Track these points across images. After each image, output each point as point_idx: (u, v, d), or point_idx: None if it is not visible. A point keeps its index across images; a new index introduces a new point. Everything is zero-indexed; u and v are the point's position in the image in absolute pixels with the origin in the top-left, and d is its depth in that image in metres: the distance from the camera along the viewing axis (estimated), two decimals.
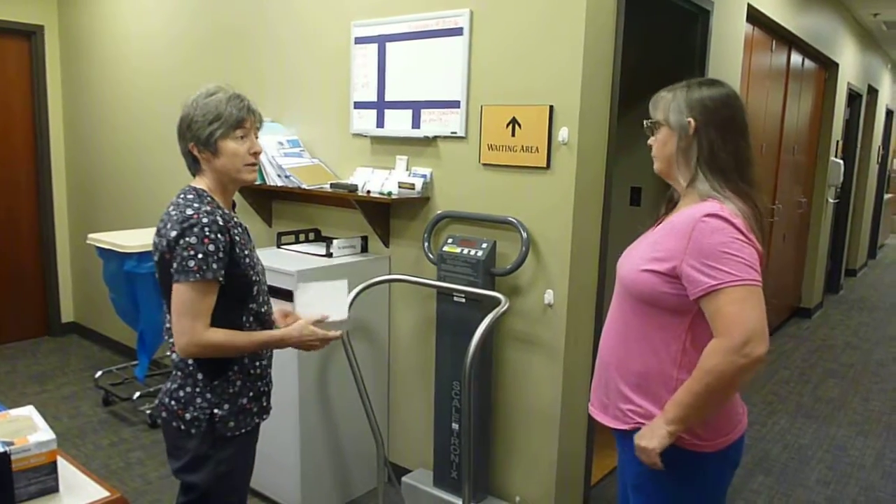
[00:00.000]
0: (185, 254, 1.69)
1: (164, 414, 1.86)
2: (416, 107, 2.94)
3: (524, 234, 2.64)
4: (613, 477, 3.22)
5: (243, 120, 1.82)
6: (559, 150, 2.57)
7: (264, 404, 1.95)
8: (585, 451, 2.95)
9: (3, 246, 5.11)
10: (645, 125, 1.68)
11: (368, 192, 2.96)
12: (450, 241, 2.81)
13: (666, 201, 1.70)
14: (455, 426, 2.84)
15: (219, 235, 1.73)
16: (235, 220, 1.86)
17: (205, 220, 1.72)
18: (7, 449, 1.41)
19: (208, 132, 1.78)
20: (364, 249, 3.19)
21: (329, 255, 3.03)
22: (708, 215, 1.48)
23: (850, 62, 7.11)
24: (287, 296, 2.25)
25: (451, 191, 2.91)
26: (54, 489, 1.49)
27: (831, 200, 7.07)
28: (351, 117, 3.19)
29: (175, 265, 1.71)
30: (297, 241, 3.33)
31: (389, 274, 3.12)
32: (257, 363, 1.90)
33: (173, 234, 1.71)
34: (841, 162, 6.79)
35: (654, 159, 1.68)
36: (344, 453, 3.08)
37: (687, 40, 3.58)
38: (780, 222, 5.79)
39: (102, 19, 4.70)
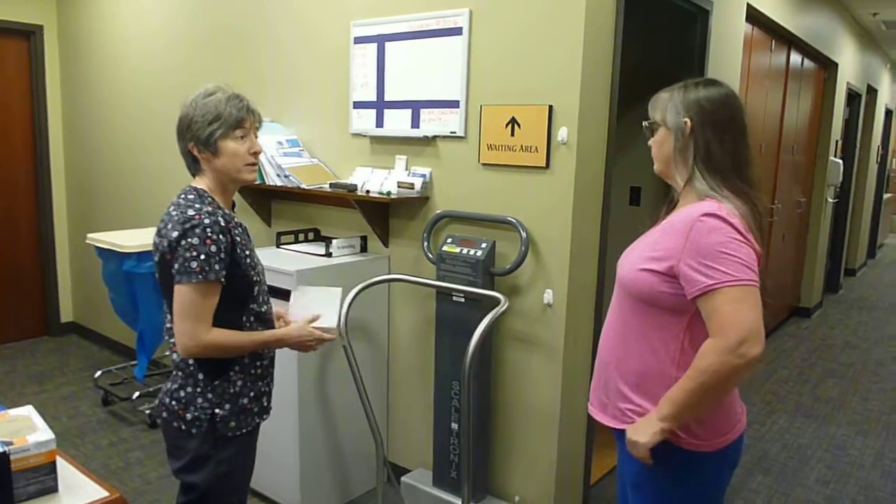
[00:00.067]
0: (188, 255, 1.69)
1: (164, 414, 1.86)
2: (416, 106, 2.94)
3: (523, 234, 2.64)
4: (613, 477, 3.22)
5: (243, 120, 1.82)
6: (558, 150, 2.57)
7: (265, 404, 1.95)
8: (585, 451, 2.95)
9: (3, 246, 5.11)
10: (644, 126, 1.69)
11: (368, 191, 2.96)
12: (449, 240, 2.81)
13: (667, 202, 1.70)
14: (454, 426, 2.84)
15: (220, 236, 1.73)
16: (236, 220, 1.86)
17: (207, 221, 1.71)
18: (6, 449, 1.41)
19: (208, 132, 1.78)
20: (363, 249, 3.19)
21: (328, 254, 3.03)
22: (705, 215, 1.48)
23: (850, 62, 7.11)
24: (287, 296, 2.25)
25: (450, 190, 2.91)
26: (53, 489, 1.49)
27: (830, 200, 7.07)
28: (350, 117, 3.19)
29: (177, 266, 1.71)
30: (297, 241, 3.33)
31: (389, 274, 3.12)
32: (258, 363, 1.90)
33: (175, 234, 1.71)
34: (840, 161, 6.79)
35: (654, 160, 1.68)
36: (343, 453, 3.08)
37: (686, 40, 3.58)
38: (780, 222, 5.79)
39: (101, 19, 4.70)
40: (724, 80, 1.69)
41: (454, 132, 2.83)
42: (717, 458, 1.59)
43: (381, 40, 3.02)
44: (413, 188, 2.90)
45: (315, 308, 2.00)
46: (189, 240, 1.70)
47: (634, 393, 1.61)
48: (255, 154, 1.87)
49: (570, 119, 2.52)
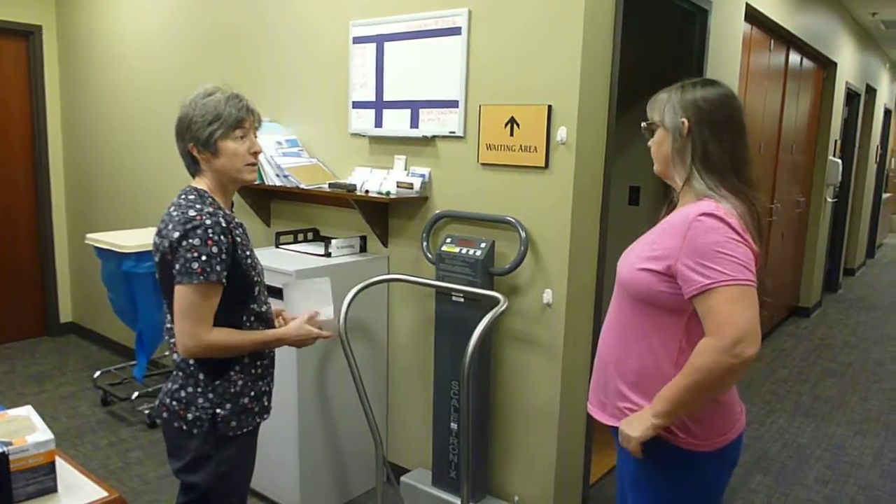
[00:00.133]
0: (189, 255, 1.69)
1: (164, 414, 1.85)
2: (415, 106, 2.94)
3: (523, 234, 2.64)
4: (612, 476, 3.22)
5: (242, 120, 1.82)
6: (558, 150, 2.57)
7: (265, 404, 1.95)
8: (584, 451, 2.95)
9: (2, 246, 5.11)
10: (642, 127, 1.69)
11: (367, 191, 2.96)
12: (448, 240, 2.81)
13: (667, 202, 1.70)
14: (454, 426, 2.84)
15: (222, 237, 1.73)
16: (236, 220, 1.86)
17: (208, 222, 1.71)
18: (5, 449, 1.41)
19: (208, 132, 1.78)
20: (363, 249, 3.19)
21: (328, 254, 3.03)
22: (703, 214, 1.48)
23: (849, 61, 7.12)
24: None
25: (449, 190, 2.91)
26: (53, 489, 1.48)
27: (830, 200, 7.08)
28: (349, 117, 3.19)
29: (178, 267, 1.71)
30: (296, 241, 3.33)
31: (388, 274, 3.12)
32: (258, 363, 1.90)
33: (176, 235, 1.71)
34: (839, 161, 6.80)
35: (654, 160, 1.68)
36: (343, 453, 3.08)
37: (685, 39, 3.58)
38: (779, 221, 5.80)
39: (100, 19, 4.70)
40: (723, 79, 1.69)
41: (453, 132, 2.83)
42: (716, 457, 1.60)
43: (380, 40, 3.01)
44: (412, 188, 2.90)
45: (310, 302, 2.00)
46: (190, 240, 1.69)
47: (633, 392, 1.61)
48: (255, 154, 1.87)
49: (569, 119, 2.53)
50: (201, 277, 1.69)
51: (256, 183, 3.04)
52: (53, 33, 5.13)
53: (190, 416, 1.80)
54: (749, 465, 3.58)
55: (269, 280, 2.17)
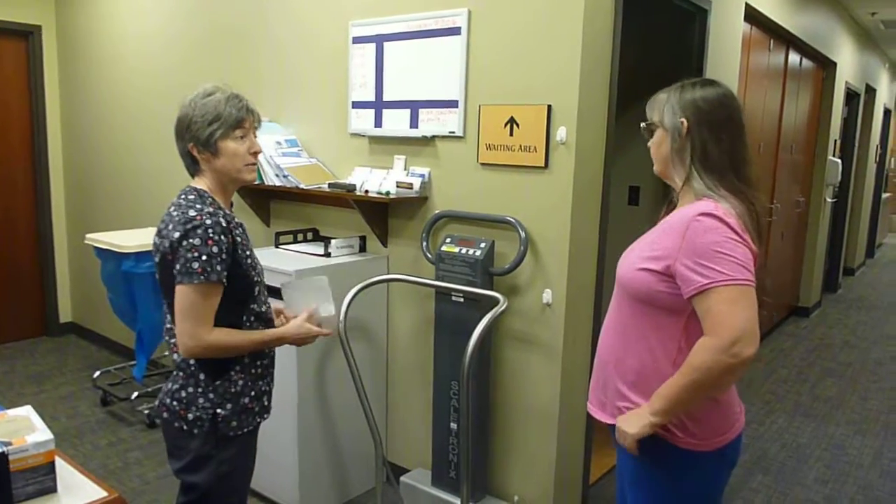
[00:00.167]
0: (189, 255, 1.69)
1: (164, 414, 1.85)
2: (414, 106, 2.94)
3: (522, 234, 2.64)
4: (612, 476, 3.22)
5: (243, 120, 1.82)
6: (557, 150, 2.57)
7: (266, 403, 1.95)
8: (584, 451, 2.95)
9: (1, 246, 5.11)
10: (642, 128, 1.69)
11: (366, 191, 2.96)
12: (448, 240, 2.81)
13: (667, 202, 1.70)
14: (453, 426, 2.84)
15: (222, 237, 1.73)
16: (236, 220, 1.86)
17: (208, 222, 1.71)
18: (5, 449, 1.41)
19: (208, 132, 1.78)
20: (362, 249, 3.19)
21: (327, 254, 3.03)
22: (702, 214, 1.48)
23: (848, 61, 7.12)
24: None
25: (449, 190, 2.91)
26: (52, 489, 1.48)
27: (829, 199, 7.08)
28: (349, 117, 3.19)
29: (178, 267, 1.71)
30: (296, 241, 3.33)
31: (388, 273, 3.12)
32: (258, 363, 1.90)
33: (176, 235, 1.71)
34: (839, 161, 6.80)
35: (653, 161, 1.69)
36: (342, 453, 3.08)
37: (685, 39, 3.58)
38: (779, 221, 5.80)
39: (100, 19, 4.70)
40: (722, 79, 1.69)
41: (453, 132, 2.83)
42: (715, 457, 1.60)
43: (379, 40, 3.01)
44: (412, 188, 2.90)
45: (309, 300, 2.00)
46: (191, 240, 1.69)
47: (632, 391, 1.61)
48: (255, 154, 1.87)
49: (568, 119, 2.53)
50: (202, 277, 1.69)
51: (256, 183, 3.04)
52: (53, 33, 5.13)
53: (190, 416, 1.80)
54: (749, 465, 3.58)
55: (269, 280, 2.17)
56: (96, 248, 3.81)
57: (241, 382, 1.85)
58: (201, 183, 1.84)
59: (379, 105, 3.06)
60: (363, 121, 3.14)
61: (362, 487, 3.20)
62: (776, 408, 4.42)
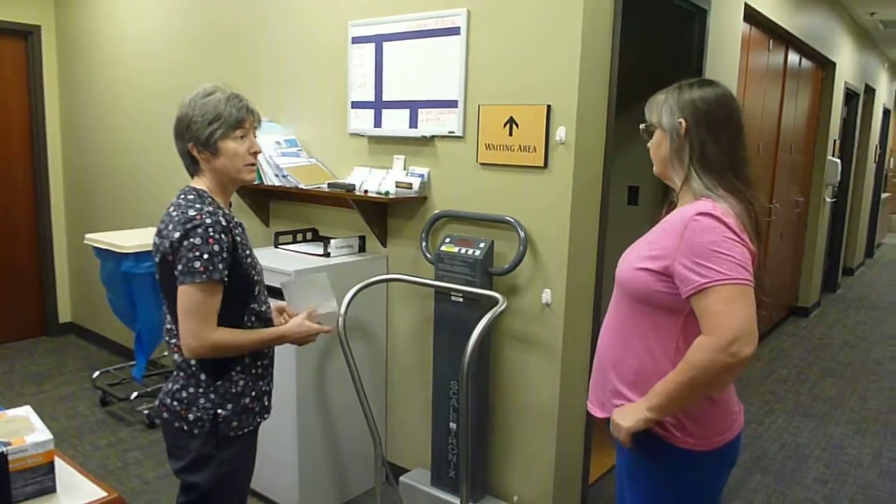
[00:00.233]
0: (191, 255, 1.69)
1: (165, 414, 1.85)
2: (414, 106, 2.94)
3: (522, 234, 2.64)
4: (611, 476, 3.22)
5: (243, 120, 1.82)
6: (557, 150, 2.57)
7: (266, 403, 1.96)
8: (583, 450, 2.95)
9: (1, 246, 5.11)
10: (641, 129, 1.70)
11: (366, 191, 2.96)
12: (447, 240, 2.81)
13: (667, 203, 1.70)
14: (453, 426, 2.84)
15: (222, 236, 1.73)
16: (235, 220, 1.86)
17: (208, 221, 1.71)
18: (4, 449, 1.41)
19: (208, 132, 1.78)
20: (361, 249, 3.19)
21: (326, 254, 3.03)
22: (700, 214, 1.49)
23: (847, 61, 7.12)
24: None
25: (448, 190, 2.91)
26: (51, 489, 1.48)
27: (828, 199, 7.08)
28: (348, 117, 3.19)
29: (180, 267, 1.70)
30: (295, 241, 3.33)
31: (387, 273, 3.12)
32: (259, 363, 1.90)
33: (176, 235, 1.71)
34: (838, 161, 6.80)
35: (653, 162, 1.69)
36: (342, 453, 3.08)
37: (684, 39, 3.58)
38: (778, 221, 5.80)
39: (99, 19, 4.70)
40: (721, 79, 1.70)
41: (452, 132, 2.84)
42: (714, 457, 1.60)
43: (378, 40, 3.01)
44: (411, 188, 2.90)
45: (310, 297, 2.00)
46: (191, 240, 1.69)
47: (631, 391, 1.62)
48: (255, 154, 1.87)
49: (568, 119, 2.53)
50: (204, 276, 1.69)
51: (255, 183, 3.05)
52: (52, 33, 5.13)
53: (191, 416, 1.80)
54: (748, 465, 3.58)
55: (269, 280, 2.18)
56: (96, 248, 3.81)
57: (241, 383, 1.85)
58: (200, 183, 1.84)
59: (378, 105, 3.06)
60: (362, 121, 3.14)
61: (362, 487, 3.20)
62: (775, 407, 4.42)
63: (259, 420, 1.93)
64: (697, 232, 1.47)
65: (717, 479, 1.66)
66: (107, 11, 4.62)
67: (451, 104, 2.82)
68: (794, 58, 5.73)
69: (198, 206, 1.75)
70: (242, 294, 1.82)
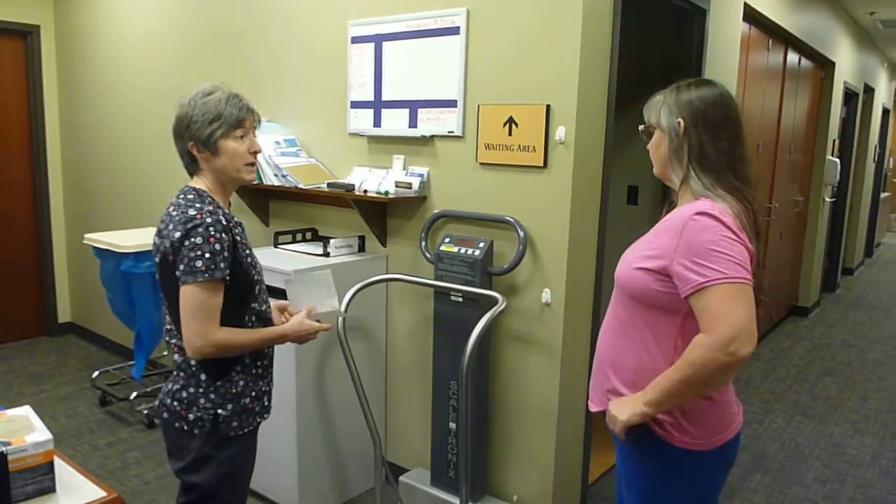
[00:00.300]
0: (192, 254, 1.69)
1: (165, 414, 1.85)
2: (413, 106, 2.94)
3: (521, 234, 2.64)
4: (611, 476, 3.23)
5: (243, 119, 1.82)
6: (556, 150, 2.57)
7: (266, 403, 1.96)
8: (583, 450, 2.95)
9: (0, 246, 5.10)
10: (640, 131, 1.70)
11: (365, 191, 2.96)
12: (447, 240, 2.81)
13: (667, 203, 1.71)
14: (452, 425, 2.84)
15: (223, 235, 1.73)
16: (235, 219, 1.86)
17: (209, 220, 1.71)
18: (4, 449, 1.41)
19: (209, 132, 1.78)
20: (361, 249, 3.19)
21: (326, 254, 3.03)
22: (698, 213, 1.49)
23: (847, 61, 7.12)
24: (285, 295, 2.26)
25: (448, 190, 2.91)
26: (51, 489, 1.48)
27: (828, 199, 7.08)
28: (348, 117, 3.19)
29: (182, 267, 1.70)
30: (294, 241, 3.33)
31: (386, 273, 3.12)
32: (259, 363, 1.90)
33: (177, 234, 1.71)
34: (837, 161, 6.81)
35: (653, 163, 1.69)
36: (341, 453, 3.08)
37: (684, 39, 3.58)
38: (777, 221, 5.80)
39: (98, 19, 4.69)
40: (721, 79, 1.70)
41: (452, 132, 2.84)
42: (713, 457, 1.60)
43: (378, 40, 3.01)
44: (411, 188, 2.90)
45: (312, 295, 2.00)
46: (193, 239, 1.69)
47: (629, 390, 1.62)
48: (255, 153, 1.87)
49: (567, 118, 2.53)
50: (206, 275, 1.69)
51: (255, 183, 3.05)
52: (52, 33, 5.13)
53: (191, 416, 1.80)
54: (747, 465, 3.58)
55: (268, 280, 2.18)
56: (95, 247, 3.81)
57: (241, 383, 1.85)
58: (200, 182, 1.84)
59: (378, 105, 3.06)
60: (362, 120, 3.14)
61: (361, 487, 3.20)
62: (775, 407, 4.42)
63: (259, 420, 1.93)
64: (696, 231, 1.47)
65: (715, 479, 1.66)
66: (106, 11, 4.61)
67: (451, 104, 2.82)
68: (793, 57, 5.73)
69: (198, 205, 1.75)
70: (243, 294, 1.82)
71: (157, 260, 1.79)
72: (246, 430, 1.88)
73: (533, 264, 2.69)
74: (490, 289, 2.67)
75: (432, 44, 2.84)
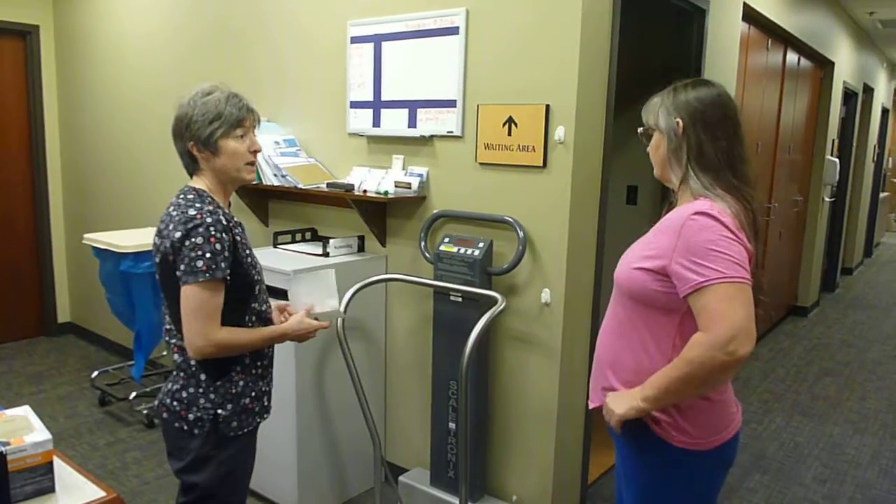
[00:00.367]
0: (193, 254, 1.69)
1: (164, 414, 1.85)
2: (413, 106, 2.94)
3: (521, 234, 2.64)
4: (610, 476, 3.23)
5: (243, 119, 1.82)
6: (555, 149, 2.57)
7: (265, 404, 1.96)
8: (582, 450, 2.95)
9: (0, 246, 5.12)
10: (639, 132, 1.70)
11: (365, 191, 2.96)
12: (446, 240, 2.81)
13: (667, 203, 1.71)
14: (452, 425, 2.84)
15: (223, 235, 1.73)
16: (235, 219, 1.86)
17: (209, 220, 1.71)
18: (3, 449, 1.41)
19: (209, 132, 1.78)
20: (361, 249, 3.19)
21: (326, 254, 3.03)
22: (697, 213, 1.49)
23: (846, 61, 7.13)
24: (284, 295, 2.26)
25: (447, 190, 2.91)
26: (50, 489, 1.48)
27: (827, 199, 7.08)
28: (347, 117, 3.19)
29: (182, 267, 1.70)
30: (294, 241, 3.33)
31: (386, 273, 3.12)
32: (258, 363, 1.90)
33: (177, 234, 1.71)
34: (837, 160, 6.81)
35: (653, 164, 1.69)
36: (341, 453, 3.08)
37: (683, 39, 3.58)
38: (777, 221, 5.81)
39: (98, 19, 4.69)
40: (720, 79, 1.70)
41: (451, 132, 2.84)
42: (711, 456, 1.60)
43: (377, 40, 3.01)
44: (410, 188, 2.90)
45: (314, 294, 2.00)
46: (193, 239, 1.69)
47: (629, 389, 1.62)
48: (255, 153, 1.87)
49: (567, 118, 2.53)
50: (207, 275, 1.69)
51: (254, 183, 3.05)
52: (51, 33, 5.12)
53: (191, 416, 1.80)
54: (747, 465, 3.58)
55: (268, 280, 2.18)
56: (94, 247, 3.81)
57: (241, 383, 1.85)
58: (200, 182, 1.84)
59: (377, 105, 3.06)
60: (361, 120, 3.14)
61: (361, 487, 3.20)
62: (774, 407, 4.42)
63: (259, 420, 1.93)
64: (694, 231, 1.47)
65: (714, 479, 1.66)
66: (105, 11, 4.61)
67: (450, 104, 2.82)
68: (792, 57, 5.73)
69: (198, 205, 1.75)
70: (243, 294, 1.82)
71: (157, 260, 1.79)
72: (246, 430, 1.88)
73: (532, 264, 2.69)
74: (489, 289, 2.67)
75: (432, 44, 2.84)
